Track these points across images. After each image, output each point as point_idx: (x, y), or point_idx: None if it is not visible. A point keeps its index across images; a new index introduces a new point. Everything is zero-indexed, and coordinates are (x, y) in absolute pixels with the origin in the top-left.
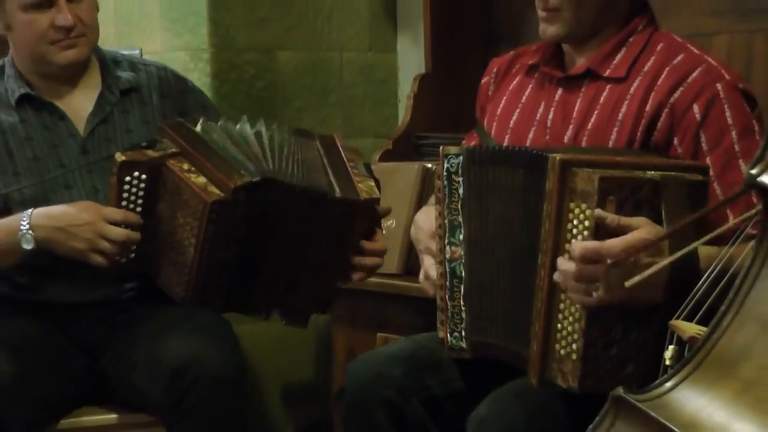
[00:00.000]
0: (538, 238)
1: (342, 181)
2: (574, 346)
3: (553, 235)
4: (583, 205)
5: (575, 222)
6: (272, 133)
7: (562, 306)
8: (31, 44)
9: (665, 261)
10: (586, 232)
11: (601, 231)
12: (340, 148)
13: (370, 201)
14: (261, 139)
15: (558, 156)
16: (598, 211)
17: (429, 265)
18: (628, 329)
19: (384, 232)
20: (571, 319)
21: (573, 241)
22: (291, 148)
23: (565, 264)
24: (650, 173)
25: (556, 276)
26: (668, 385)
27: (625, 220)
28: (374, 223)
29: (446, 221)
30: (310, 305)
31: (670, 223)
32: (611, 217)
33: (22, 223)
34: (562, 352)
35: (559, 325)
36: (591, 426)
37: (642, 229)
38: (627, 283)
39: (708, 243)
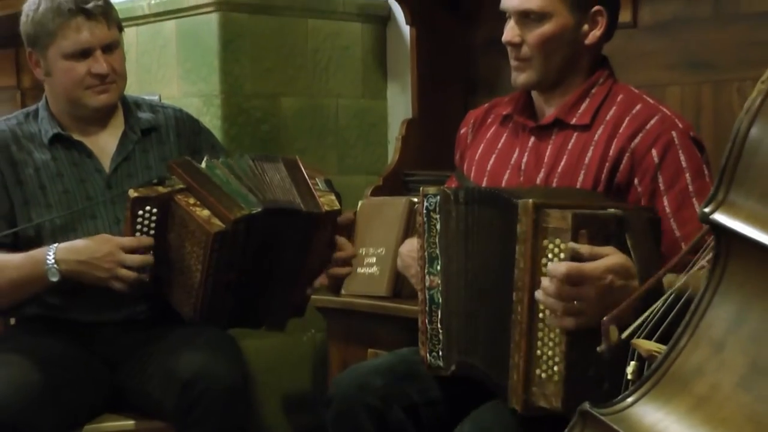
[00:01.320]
0: (511, 272)
1: (305, 198)
2: (555, 368)
3: (529, 272)
4: (557, 240)
5: (550, 256)
6: (253, 163)
7: (540, 334)
8: (69, 88)
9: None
10: (562, 264)
11: (575, 261)
12: (302, 168)
13: (332, 213)
14: (252, 171)
15: (530, 200)
16: (572, 243)
17: (413, 272)
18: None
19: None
20: (551, 344)
21: (551, 265)
22: (264, 174)
23: (546, 283)
24: (613, 210)
25: (538, 294)
26: (629, 400)
27: (597, 249)
28: (338, 232)
29: (426, 253)
30: (287, 311)
31: (636, 252)
32: (585, 247)
33: (48, 257)
34: (543, 375)
35: (538, 352)
36: None
37: (613, 256)
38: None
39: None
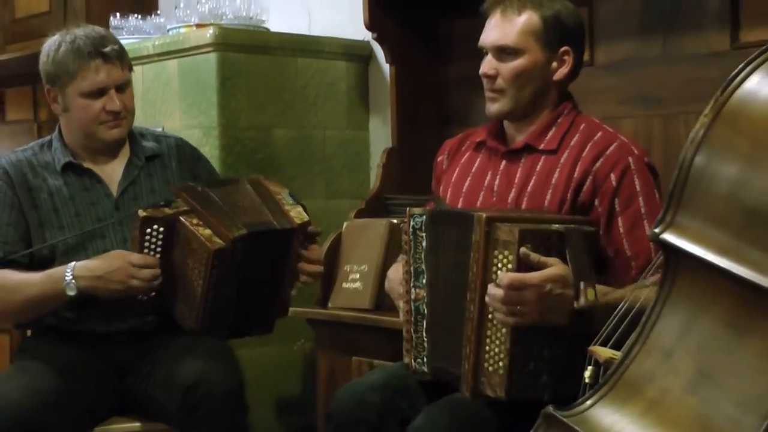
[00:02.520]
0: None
1: (276, 214)
2: (500, 363)
3: (480, 277)
4: (506, 252)
5: (499, 265)
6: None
7: (489, 333)
8: (85, 123)
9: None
10: (507, 274)
11: (521, 269)
12: (266, 185)
13: (303, 224)
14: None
15: (483, 214)
16: (524, 250)
17: (400, 305)
18: (542, 347)
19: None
20: (497, 342)
21: (500, 272)
22: (235, 196)
23: (494, 290)
24: (556, 226)
25: (487, 299)
26: (588, 403)
27: (543, 259)
28: (308, 238)
29: (411, 268)
30: (274, 315)
31: (574, 263)
32: (533, 255)
33: (66, 274)
34: (490, 368)
35: (486, 348)
36: None
37: (554, 267)
38: (577, 304)
39: (606, 284)
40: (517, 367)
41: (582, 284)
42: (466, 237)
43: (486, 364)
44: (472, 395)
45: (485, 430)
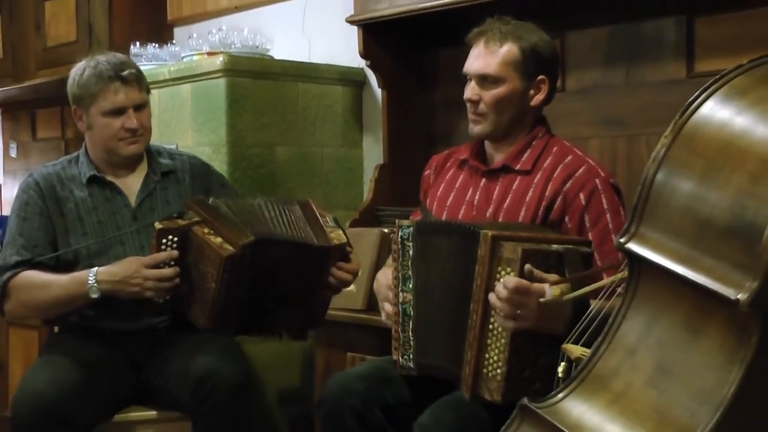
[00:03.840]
0: (469, 288)
1: (317, 233)
2: (499, 370)
3: (483, 289)
4: (509, 268)
5: (502, 280)
6: (265, 204)
7: (489, 341)
8: (106, 140)
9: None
10: (513, 278)
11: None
12: (315, 208)
13: (341, 245)
14: (258, 209)
15: (490, 232)
16: (528, 266)
17: (387, 308)
18: (538, 356)
19: (358, 267)
20: (497, 350)
21: (506, 276)
22: (280, 213)
23: (500, 288)
24: (555, 246)
25: (492, 297)
26: (559, 396)
27: (544, 275)
28: (345, 257)
29: (400, 274)
30: (306, 323)
31: (571, 281)
32: (536, 272)
33: (89, 278)
34: (489, 375)
35: (486, 355)
36: (503, 427)
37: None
38: (541, 300)
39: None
40: (513, 374)
41: (547, 285)
42: (463, 248)
43: (485, 370)
44: (471, 398)
45: (484, 427)
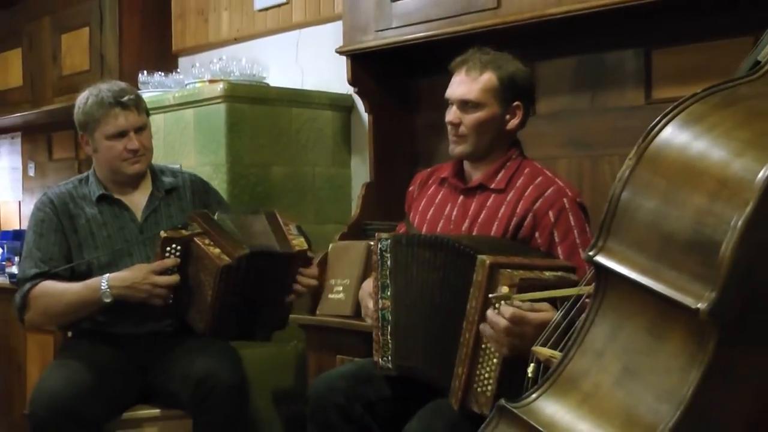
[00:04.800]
0: (458, 303)
1: (281, 241)
2: (489, 387)
3: (478, 311)
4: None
5: (497, 305)
6: (241, 217)
7: (481, 360)
8: (110, 161)
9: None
10: (510, 308)
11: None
12: (279, 218)
13: (301, 251)
14: (241, 222)
15: (488, 259)
16: (518, 302)
17: (369, 312)
18: (525, 375)
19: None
20: (488, 369)
21: (501, 307)
22: (250, 225)
23: (497, 318)
24: (547, 274)
25: (483, 327)
26: (534, 396)
27: (538, 305)
28: (306, 263)
29: (379, 283)
30: (274, 326)
31: (562, 307)
32: (527, 304)
33: (102, 284)
34: (479, 390)
35: (477, 372)
36: (482, 426)
37: (548, 312)
38: (490, 295)
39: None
40: (503, 391)
41: (500, 286)
42: (451, 264)
43: (476, 386)
44: (459, 408)
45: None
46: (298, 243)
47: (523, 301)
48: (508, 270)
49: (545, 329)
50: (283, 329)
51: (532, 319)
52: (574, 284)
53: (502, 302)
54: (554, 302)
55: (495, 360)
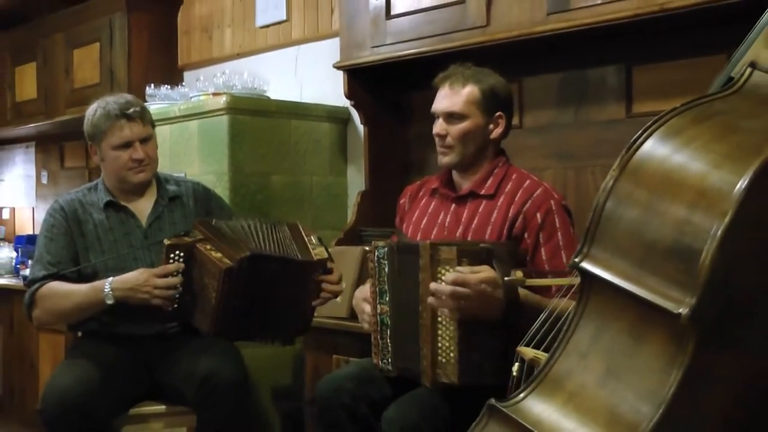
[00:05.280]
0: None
1: (301, 249)
2: (451, 354)
3: (429, 290)
4: (447, 267)
5: (443, 278)
6: (258, 225)
7: (440, 332)
8: (116, 169)
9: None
10: (451, 273)
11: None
12: (301, 229)
13: (322, 260)
14: (252, 229)
15: (427, 242)
16: (458, 267)
17: (366, 317)
18: (483, 341)
19: (338, 278)
20: (447, 338)
21: (445, 272)
22: (271, 233)
23: (440, 286)
24: (483, 245)
25: (431, 299)
26: (521, 395)
27: (477, 267)
28: (326, 271)
29: (377, 289)
30: (294, 330)
31: (499, 271)
32: (466, 268)
33: (105, 287)
34: (444, 360)
35: (439, 344)
36: (473, 425)
37: (486, 272)
38: (506, 278)
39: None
40: (464, 357)
41: (512, 271)
42: (416, 263)
43: (440, 357)
44: (431, 384)
45: (442, 416)
46: (319, 252)
47: (522, 278)
48: (447, 246)
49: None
50: (306, 333)
51: (473, 279)
52: (512, 251)
53: (446, 270)
54: (492, 266)
55: (452, 328)
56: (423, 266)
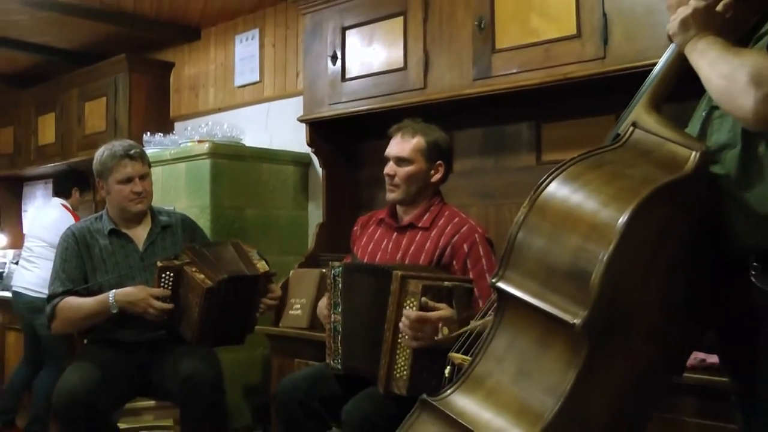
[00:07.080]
0: (383, 312)
1: (248, 265)
2: (405, 372)
3: (394, 313)
4: (413, 299)
5: (407, 307)
6: (222, 248)
7: (398, 351)
8: (119, 201)
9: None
10: (414, 312)
11: (422, 310)
12: (243, 246)
13: (266, 273)
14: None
15: (400, 272)
16: (424, 299)
17: (324, 315)
18: (432, 363)
19: (279, 289)
20: (404, 357)
21: (407, 311)
22: (222, 254)
23: (406, 320)
24: (446, 283)
25: (401, 325)
26: (449, 392)
27: (437, 305)
28: (270, 282)
29: (332, 302)
30: (245, 331)
31: (458, 309)
32: (431, 303)
33: (110, 298)
34: (398, 375)
35: (396, 362)
36: (408, 415)
37: (445, 311)
38: (436, 338)
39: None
40: (415, 375)
41: (440, 325)
42: (380, 284)
43: (395, 372)
44: (384, 392)
45: (391, 412)
46: (261, 266)
47: (450, 332)
48: (415, 279)
49: (452, 333)
50: (252, 333)
51: (432, 317)
52: (469, 290)
53: (411, 302)
54: (451, 303)
55: (408, 351)
56: (393, 292)
